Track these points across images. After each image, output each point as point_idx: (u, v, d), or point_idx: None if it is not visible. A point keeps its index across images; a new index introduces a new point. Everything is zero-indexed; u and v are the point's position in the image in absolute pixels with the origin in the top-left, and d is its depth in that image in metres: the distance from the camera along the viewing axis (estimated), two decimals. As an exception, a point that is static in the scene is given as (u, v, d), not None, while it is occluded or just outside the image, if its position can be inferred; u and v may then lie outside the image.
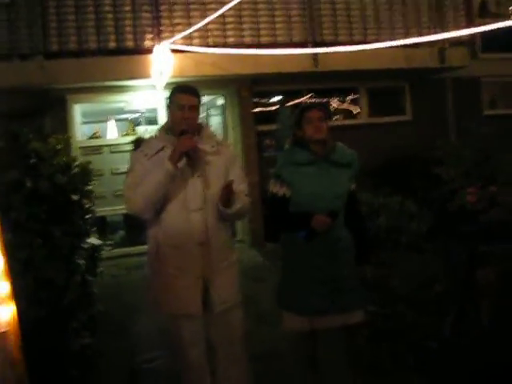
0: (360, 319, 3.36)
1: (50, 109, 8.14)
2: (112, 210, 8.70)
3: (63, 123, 8.13)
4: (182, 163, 2.99)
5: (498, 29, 6.83)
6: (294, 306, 3.30)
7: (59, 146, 4.49)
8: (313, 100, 9.61)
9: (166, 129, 3.18)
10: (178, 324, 3.12)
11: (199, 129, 3.21)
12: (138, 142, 3.17)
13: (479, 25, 9.45)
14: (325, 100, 9.97)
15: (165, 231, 3.04)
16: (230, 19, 8.23)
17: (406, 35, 9.07)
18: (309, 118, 3.31)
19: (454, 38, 9.17)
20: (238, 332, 3.23)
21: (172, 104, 3.13)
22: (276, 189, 3.31)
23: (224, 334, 3.18)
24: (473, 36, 10.04)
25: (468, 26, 9.42)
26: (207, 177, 3.10)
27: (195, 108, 3.11)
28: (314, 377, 3.50)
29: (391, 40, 8.64)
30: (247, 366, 3.28)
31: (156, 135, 3.23)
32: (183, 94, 3.09)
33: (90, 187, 4.83)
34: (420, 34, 9.10)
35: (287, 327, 3.37)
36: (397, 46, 8.56)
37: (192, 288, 3.03)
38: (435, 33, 9.12)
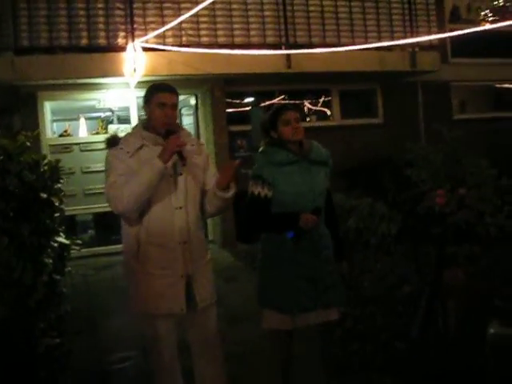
0: (336, 316, 3.40)
1: (20, 106, 8.02)
2: (82, 209, 8.62)
3: (33, 120, 8.01)
4: (171, 162, 2.96)
5: (468, 34, 6.95)
6: (278, 304, 3.28)
7: (28, 144, 4.41)
8: (285, 101, 9.65)
9: (144, 126, 3.14)
10: (156, 324, 3.08)
11: (178, 128, 3.20)
12: (114, 140, 3.09)
13: (450, 30, 9.68)
14: (298, 101, 10.03)
15: (148, 230, 3.00)
16: (204, 19, 8.22)
17: (379, 39, 9.16)
18: (286, 119, 3.31)
19: (426, 42, 9.32)
20: (214, 330, 3.23)
21: (151, 103, 3.07)
22: (257, 190, 3.28)
23: (201, 333, 3.18)
24: (443, 41, 10.19)
25: (439, 30, 9.59)
26: (189, 175, 3.10)
27: (176, 107, 3.11)
28: (286, 376, 3.51)
29: (364, 43, 8.80)
30: (224, 364, 3.28)
31: (132, 133, 3.18)
32: (164, 93, 3.06)
33: (59, 185, 4.76)
34: (392, 38, 9.21)
35: (268, 326, 3.35)
36: (369, 49, 8.70)
37: (175, 286, 3.02)
38: (407, 37, 9.25)
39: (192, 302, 3.07)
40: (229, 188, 3.07)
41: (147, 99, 3.11)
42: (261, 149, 3.46)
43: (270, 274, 3.35)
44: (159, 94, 3.06)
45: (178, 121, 3.33)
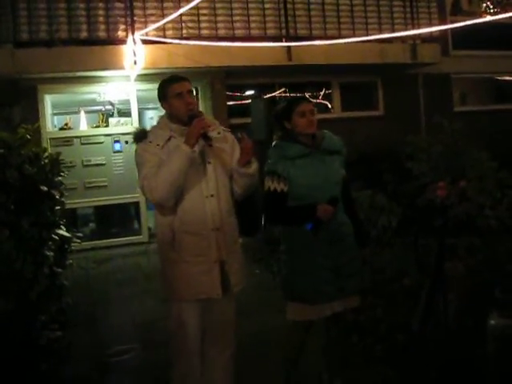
0: (357, 303, 3.43)
1: (20, 99, 8.01)
2: (82, 202, 8.63)
3: (33, 114, 8.00)
4: (198, 146, 3.01)
5: (469, 26, 6.94)
6: (304, 296, 3.29)
7: (28, 136, 4.41)
8: (282, 94, 9.65)
9: (170, 119, 3.16)
10: (188, 309, 3.14)
11: (201, 113, 3.23)
12: (142, 134, 3.10)
13: (451, 22, 9.65)
14: (298, 94, 10.01)
15: (181, 218, 3.06)
16: (204, 11, 8.19)
17: (380, 31, 9.13)
18: (301, 111, 3.29)
19: (426, 34, 9.29)
20: (233, 317, 3.30)
21: (168, 97, 3.11)
22: (273, 185, 3.28)
23: (220, 320, 3.24)
24: (444, 33, 10.16)
25: (440, 22, 9.56)
26: (217, 163, 3.15)
27: (192, 93, 3.15)
28: (294, 369, 3.52)
29: (365, 35, 8.77)
30: (234, 354, 3.33)
31: (159, 126, 3.20)
32: (177, 83, 3.10)
33: (59, 178, 4.77)
34: (393, 30, 9.19)
35: (293, 317, 3.36)
36: (370, 41, 8.68)
37: (211, 272, 3.08)
38: (408, 29, 9.23)
39: (228, 286, 3.15)
40: (250, 163, 3.13)
41: (163, 95, 3.15)
42: (274, 143, 3.45)
43: (293, 266, 3.36)
44: (173, 85, 3.10)
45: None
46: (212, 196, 3.09)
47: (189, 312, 3.13)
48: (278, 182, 3.27)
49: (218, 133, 3.21)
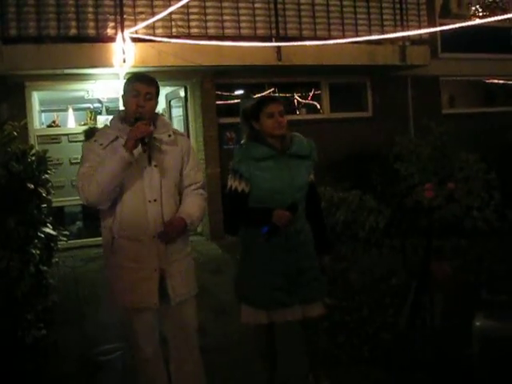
0: (320, 311, 3.37)
1: (8, 95, 7.94)
2: (70, 200, 8.57)
3: (21, 111, 7.92)
4: (137, 151, 2.91)
5: (458, 29, 6.97)
6: (253, 299, 3.26)
7: (15, 133, 4.37)
8: (272, 94, 9.63)
9: (120, 118, 3.10)
10: (134, 317, 3.06)
11: (155, 118, 3.14)
12: (91, 132, 3.07)
13: (440, 25, 9.69)
14: (287, 94, 10.02)
15: (120, 223, 2.97)
16: (194, 10, 8.16)
17: (369, 32, 9.16)
18: (270, 112, 3.24)
19: (416, 36, 9.33)
20: (192, 324, 3.19)
21: (127, 92, 3.04)
22: (235, 184, 3.25)
23: (178, 326, 3.15)
24: (434, 35, 10.20)
25: (429, 25, 9.60)
26: (163, 167, 3.03)
27: (152, 97, 3.03)
28: (271, 369, 3.52)
29: (354, 36, 8.80)
30: (200, 358, 3.24)
31: (109, 125, 3.15)
32: (139, 82, 3.02)
33: (46, 176, 4.73)
34: (382, 32, 9.22)
35: (246, 321, 3.34)
36: (359, 43, 8.70)
37: (148, 280, 2.98)
38: (397, 31, 9.26)
39: (167, 296, 3.04)
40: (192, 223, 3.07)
41: (124, 90, 3.09)
42: (241, 141, 3.42)
43: (246, 268, 3.34)
44: (134, 83, 3.04)
45: (160, 111, 3.29)
46: (155, 201, 2.98)
47: (138, 319, 3.06)
48: (240, 181, 3.24)
49: (169, 135, 3.11)
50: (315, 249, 3.38)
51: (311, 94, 10.26)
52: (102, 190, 2.86)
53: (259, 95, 9.42)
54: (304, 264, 3.28)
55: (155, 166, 3.00)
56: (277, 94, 9.71)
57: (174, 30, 8.04)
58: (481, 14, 11.28)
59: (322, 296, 3.39)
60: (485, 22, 8.89)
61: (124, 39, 7.62)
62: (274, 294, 3.22)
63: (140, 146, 2.90)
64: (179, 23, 8.07)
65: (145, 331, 3.08)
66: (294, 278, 3.23)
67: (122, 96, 3.11)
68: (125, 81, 3.13)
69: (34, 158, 4.56)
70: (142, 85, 3.01)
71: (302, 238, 3.30)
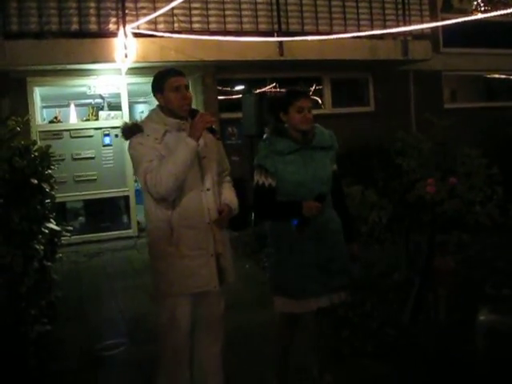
0: (346, 298, 3.42)
1: (10, 91, 7.94)
2: (72, 195, 8.58)
3: (23, 106, 7.93)
4: (201, 141, 3.03)
5: (460, 23, 6.96)
6: (288, 291, 3.30)
7: (18, 129, 4.37)
8: (273, 90, 9.64)
9: (164, 113, 3.12)
10: (181, 303, 3.14)
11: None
12: (136, 128, 3.06)
13: (442, 19, 9.67)
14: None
15: (180, 213, 3.06)
16: (196, 5, 8.16)
17: (371, 27, 9.14)
18: (299, 106, 3.25)
19: (418, 31, 9.32)
20: (223, 311, 3.32)
21: (164, 89, 3.07)
22: (261, 179, 3.28)
23: (213, 311, 3.27)
24: (435, 30, 10.19)
25: (431, 20, 9.58)
26: (210, 157, 3.18)
27: (188, 88, 3.16)
28: (285, 362, 3.53)
29: (356, 31, 8.78)
30: (223, 348, 3.35)
31: (152, 120, 3.15)
32: (176, 77, 3.08)
33: (50, 171, 4.73)
34: (384, 27, 9.20)
35: (280, 310, 3.38)
36: (361, 38, 8.69)
37: (208, 265, 3.12)
38: (399, 25, 9.25)
39: (222, 279, 3.18)
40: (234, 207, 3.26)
41: (159, 87, 3.11)
42: (264, 136, 3.43)
43: (278, 261, 3.36)
44: (171, 78, 3.08)
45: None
46: (208, 190, 3.13)
47: (182, 307, 3.14)
48: (266, 176, 3.27)
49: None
50: (344, 237, 3.41)
51: (313, 89, 10.24)
52: (175, 180, 2.94)
53: (261, 90, 9.42)
54: (334, 253, 3.31)
55: (203, 157, 3.13)
56: (278, 89, 9.71)
57: (175, 25, 8.04)
58: (483, 9, 11.25)
59: (348, 284, 3.42)
60: (487, 17, 8.88)
61: (126, 34, 7.62)
62: (308, 285, 3.25)
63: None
64: (181, 18, 8.06)
65: (186, 317, 3.16)
66: (325, 266, 3.26)
67: (157, 93, 3.12)
68: (154, 79, 3.15)
69: (37, 153, 4.56)
70: (179, 78, 3.09)
71: (332, 227, 3.33)
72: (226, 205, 3.22)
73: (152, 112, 3.23)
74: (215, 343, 3.30)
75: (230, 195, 3.30)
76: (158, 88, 3.12)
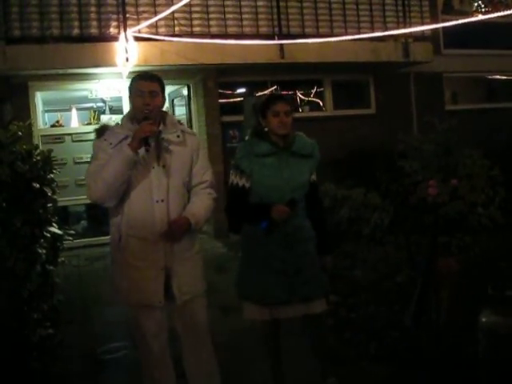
0: (322, 308, 3.38)
1: (12, 96, 7.96)
2: (74, 199, 8.59)
3: (25, 111, 7.96)
4: (142, 150, 2.93)
5: (461, 25, 6.96)
6: (253, 296, 3.29)
7: (20, 134, 4.38)
8: (279, 92, 9.62)
9: (130, 118, 3.11)
10: (140, 315, 3.08)
11: (163, 116, 3.15)
12: (102, 131, 3.07)
13: (443, 21, 9.68)
14: (290, 92, 10.01)
15: (128, 221, 2.99)
16: (197, 8, 8.17)
17: (372, 29, 9.15)
18: (275, 110, 3.26)
19: (418, 33, 9.32)
20: (202, 320, 3.21)
21: (133, 92, 3.06)
22: (236, 179, 3.30)
23: (188, 324, 3.17)
24: (436, 32, 10.19)
25: (432, 21, 9.59)
26: (172, 167, 3.05)
27: (157, 94, 3.03)
28: (276, 365, 3.53)
29: (357, 33, 8.79)
30: (213, 354, 3.27)
31: (119, 124, 3.16)
32: (143, 81, 3.03)
33: (52, 176, 4.73)
34: (385, 29, 9.21)
35: (248, 316, 3.37)
36: (362, 40, 8.69)
37: (155, 279, 3.00)
38: (400, 27, 9.25)
39: (174, 295, 3.06)
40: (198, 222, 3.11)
41: (129, 90, 3.11)
42: (246, 137, 3.45)
43: (247, 265, 3.37)
44: (138, 82, 3.05)
45: (169, 111, 3.30)
46: (162, 201, 3.00)
47: (145, 317, 3.07)
48: (241, 177, 3.28)
49: (178, 136, 3.11)
50: (316, 248, 3.39)
51: (314, 92, 10.25)
52: (107, 187, 2.89)
53: (262, 93, 9.43)
54: (302, 262, 3.29)
55: (163, 166, 3.02)
56: (280, 92, 9.72)
57: (176, 28, 8.06)
58: (483, 10, 11.25)
59: (322, 293, 3.40)
60: (488, 18, 8.87)
61: (127, 38, 7.63)
62: (273, 292, 3.24)
63: (143, 147, 2.93)
64: (182, 22, 8.08)
65: (151, 328, 3.09)
66: (292, 275, 3.25)
67: (129, 96, 3.12)
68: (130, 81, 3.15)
69: (39, 157, 4.56)
70: (144, 83, 3.03)
71: (301, 236, 3.31)
72: (183, 217, 3.04)
73: (122, 117, 3.22)
74: (202, 349, 3.20)
75: (195, 208, 3.13)
76: (129, 91, 3.11)
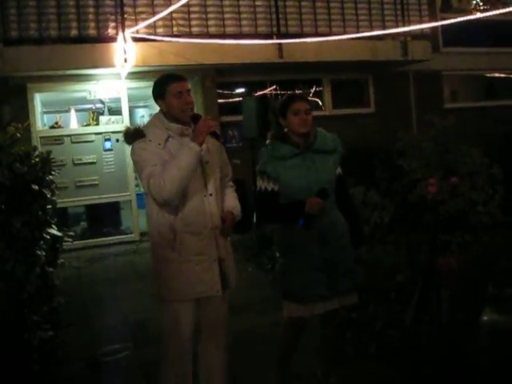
0: (354, 301, 3.42)
1: (10, 97, 7.96)
2: (73, 201, 8.58)
3: (23, 112, 7.95)
4: (204, 145, 3.03)
5: (460, 23, 6.96)
6: (295, 295, 3.31)
7: (18, 135, 4.38)
8: (273, 92, 9.66)
9: (166, 119, 3.13)
10: (184, 308, 3.14)
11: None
12: (138, 133, 3.05)
13: (441, 19, 9.68)
14: (289, 91, 9.99)
15: (183, 219, 3.06)
16: (195, 9, 8.17)
17: (370, 28, 9.15)
18: (296, 109, 3.28)
19: (417, 31, 9.31)
20: (226, 315, 3.32)
21: (167, 95, 3.08)
22: (264, 184, 3.30)
23: (215, 317, 3.25)
24: (435, 30, 10.19)
25: (430, 20, 9.58)
26: (212, 162, 3.18)
27: (190, 92, 3.16)
28: (287, 366, 3.53)
29: (355, 32, 8.79)
30: (226, 352, 3.34)
31: (154, 125, 3.15)
32: (178, 82, 3.09)
33: (50, 177, 4.73)
34: (384, 27, 9.20)
35: (288, 314, 3.38)
36: (361, 39, 8.69)
37: (211, 270, 3.11)
38: (398, 26, 9.25)
39: (225, 283, 3.18)
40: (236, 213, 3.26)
41: (160, 93, 3.11)
42: (267, 142, 3.46)
43: (286, 265, 3.38)
44: (173, 84, 3.08)
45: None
46: (211, 195, 3.13)
47: (185, 311, 3.14)
48: (268, 181, 3.29)
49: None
50: (351, 241, 3.40)
51: (313, 91, 10.25)
52: (179, 185, 2.95)
53: (261, 93, 9.43)
54: (339, 256, 3.30)
55: (206, 162, 3.13)
56: (278, 92, 9.72)
57: (174, 29, 8.05)
58: (482, 8, 11.24)
59: (356, 286, 3.42)
60: (486, 16, 8.87)
61: (125, 39, 7.63)
62: (315, 289, 3.25)
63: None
64: (180, 22, 8.08)
65: (190, 324, 3.17)
66: (331, 271, 3.27)
67: (158, 99, 3.12)
68: (155, 84, 3.14)
69: (37, 159, 4.56)
70: (180, 83, 3.09)
71: (337, 230, 3.33)
72: (229, 212, 3.22)
73: (154, 117, 3.22)
74: (217, 351, 3.28)
75: (232, 201, 3.31)
76: (159, 94, 3.11)
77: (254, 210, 3.40)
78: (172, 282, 3.13)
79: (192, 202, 3.07)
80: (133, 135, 3.08)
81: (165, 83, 3.11)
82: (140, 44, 7.75)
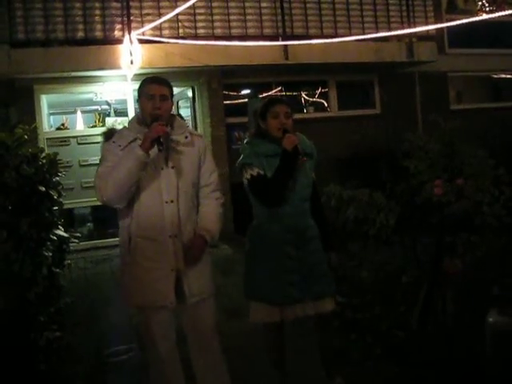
0: (332, 307, 3.40)
1: (17, 99, 7.99)
2: (80, 202, 8.61)
3: (30, 114, 7.98)
4: (153, 151, 2.94)
5: (465, 24, 6.95)
6: (266, 296, 3.28)
7: (25, 137, 4.40)
8: (280, 94, 9.66)
9: (138, 120, 3.14)
10: (150, 317, 3.09)
11: (172, 119, 3.17)
12: (110, 133, 3.08)
13: (447, 20, 9.67)
14: (295, 93, 10.02)
15: (137, 222, 3.01)
16: (201, 10, 8.19)
17: (376, 29, 9.15)
18: (275, 112, 3.29)
19: (423, 32, 9.31)
20: (211, 323, 3.21)
21: (142, 95, 3.08)
22: (253, 171, 3.25)
23: (196, 326, 3.17)
24: (440, 31, 10.17)
25: (436, 21, 9.57)
26: (181, 168, 3.07)
27: (166, 98, 3.07)
28: (280, 368, 3.53)
29: (361, 34, 8.79)
30: (221, 355, 3.26)
31: (128, 126, 3.19)
32: (153, 84, 3.06)
33: (57, 178, 4.75)
34: (389, 29, 9.20)
35: (255, 319, 3.35)
36: (366, 40, 8.69)
37: (165, 279, 3.01)
38: (404, 27, 9.24)
39: (184, 296, 3.07)
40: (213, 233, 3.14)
41: (138, 93, 3.13)
42: (245, 140, 3.46)
43: (257, 266, 3.35)
44: (147, 86, 3.08)
45: (175, 113, 3.31)
46: (172, 202, 3.02)
47: (154, 319, 3.08)
48: (253, 168, 3.25)
49: (186, 137, 3.15)
50: (322, 246, 3.40)
51: (319, 93, 10.25)
52: (118, 188, 2.90)
53: (266, 94, 9.44)
54: (314, 259, 3.31)
55: (172, 167, 3.04)
56: (284, 93, 9.73)
57: (180, 30, 8.08)
58: (488, 9, 11.22)
59: (332, 291, 3.41)
60: (492, 17, 8.86)
61: (131, 41, 7.66)
62: (288, 290, 3.24)
63: (156, 147, 2.93)
64: (186, 24, 8.10)
65: (160, 331, 3.10)
66: (305, 273, 3.26)
67: (137, 99, 3.15)
68: (139, 83, 3.17)
69: (44, 160, 4.58)
70: (155, 86, 3.05)
71: (310, 234, 3.35)
72: (199, 237, 3.09)
73: (130, 119, 3.25)
74: (210, 351, 3.20)
75: (209, 220, 3.17)
76: (138, 94, 3.14)
77: (258, 197, 3.32)
78: (128, 288, 3.10)
79: (148, 207, 3.00)
80: (106, 136, 3.10)
81: (142, 84, 3.12)
82: (146, 46, 7.78)
